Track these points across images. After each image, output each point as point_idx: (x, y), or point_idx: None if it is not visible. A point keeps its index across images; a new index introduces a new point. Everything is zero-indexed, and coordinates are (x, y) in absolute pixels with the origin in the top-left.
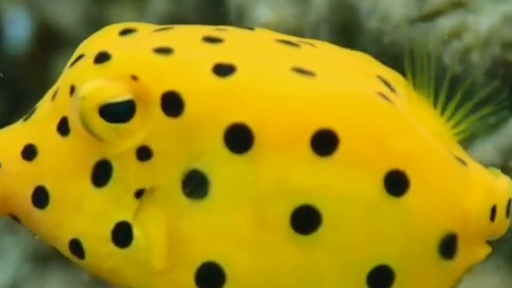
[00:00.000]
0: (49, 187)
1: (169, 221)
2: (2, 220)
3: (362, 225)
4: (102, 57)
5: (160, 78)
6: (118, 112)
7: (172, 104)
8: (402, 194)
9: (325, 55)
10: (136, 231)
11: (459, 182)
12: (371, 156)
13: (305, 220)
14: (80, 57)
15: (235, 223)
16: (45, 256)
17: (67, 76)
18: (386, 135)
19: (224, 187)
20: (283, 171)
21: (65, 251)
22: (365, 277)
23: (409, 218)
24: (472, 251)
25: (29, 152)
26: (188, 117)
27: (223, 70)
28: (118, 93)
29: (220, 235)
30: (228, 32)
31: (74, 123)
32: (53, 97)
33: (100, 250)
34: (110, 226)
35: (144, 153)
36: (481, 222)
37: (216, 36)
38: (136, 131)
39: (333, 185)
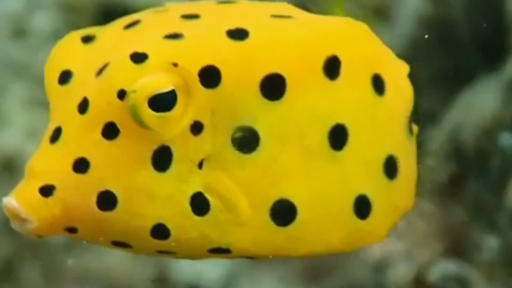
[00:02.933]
0: (113, 188)
1: (233, 178)
2: None
3: (371, 126)
4: (138, 57)
5: (193, 57)
6: (164, 102)
7: (210, 77)
8: (383, 92)
9: (263, 5)
10: (210, 197)
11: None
12: (362, 67)
13: (339, 137)
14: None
15: (288, 161)
16: None
17: (106, 85)
18: (367, 47)
19: (270, 133)
20: (312, 102)
21: (144, 239)
22: (382, 170)
23: (390, 111)
24: None
25: (81, 165)
26: (226, 83)
27: (237, 34)
28: (164, 84)
29: (279, 174)
30: (194, 7)
31: (126, 123)
32: (82, 111)
33: (185, 224)
34: (187, 200)
35: (197, 128)
36: None
37: (191, 13)
38: (183, 114)
39: (348, 100)
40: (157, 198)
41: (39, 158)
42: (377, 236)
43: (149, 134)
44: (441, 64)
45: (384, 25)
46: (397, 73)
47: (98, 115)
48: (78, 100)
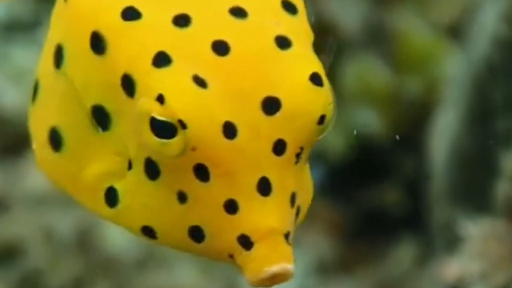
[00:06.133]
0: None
1: None
2: None
3: None
4: (317, 79)
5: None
6: None
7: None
8: None
9: None
10: None
11: None
12: None
13: None
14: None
15: None
16: (329, 268)
17: (307, 118)
18: None
19: None
20: None
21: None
22: None
23: None
24: None
25: (294, 200)
26: None
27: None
28: None
29: None
30: None
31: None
32: (280, 153)
33: None
34: None
35: None
36: None
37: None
38: None
39: None
40: None
41: (270, 215)
42: None
43: None
44: None
45: (457, 44)
46: None
47: (296, 149)
48: (269, 144)
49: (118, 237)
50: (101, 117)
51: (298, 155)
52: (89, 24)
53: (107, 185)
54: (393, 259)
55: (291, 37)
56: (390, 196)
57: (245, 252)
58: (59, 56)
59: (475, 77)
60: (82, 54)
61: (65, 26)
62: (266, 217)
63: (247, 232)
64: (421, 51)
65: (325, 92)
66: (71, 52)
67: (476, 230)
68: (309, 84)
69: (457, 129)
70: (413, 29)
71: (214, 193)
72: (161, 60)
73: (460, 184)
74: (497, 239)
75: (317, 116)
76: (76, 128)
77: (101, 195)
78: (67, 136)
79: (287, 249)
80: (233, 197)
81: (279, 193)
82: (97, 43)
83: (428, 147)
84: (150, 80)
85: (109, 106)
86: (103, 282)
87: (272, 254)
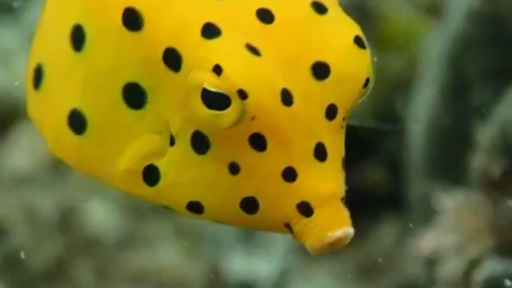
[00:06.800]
0: None
1: None
2: None
3: None
4: (360, 40)
5: None
6: None
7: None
8: None
9: None
10: None
11: None
12: None
13: None
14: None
15: None
16: None
17: (354, 82)
18: None
19: None
20: None
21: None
22: None
23: None
24: None
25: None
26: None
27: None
28: None
29: None
30: None
31: None
32: (331, 118)
33: None
34: None
35: None
36: None
37: None
38: None
39: None
40: None
41: (328, 180)
42: None
43: None
44: (492, 59)
45: (438, 22)
46: None
47: (344, 113)
48: (322, 109)
49: (100, 218)
50: (135, 95)
51: (344, 119)
52: (121, 1)
53: (146, 164)
54: (376, 238)
55: (324, 2)
56: (372, 175)
57: (305, 219)
58: (78, 37)
59: (451, 51)
60: (111, 32)
61: (84, 6)
62: (325, 182)
63: (307, 199)
64: (404, 30)
65: (368, 54)
66: (95, 32)
67: (451, 203)
68: (355, 47)
69: (434, 104)
70: (395, 7)
71: (271, 162)
72: (210, 31)
73: (437, 158)
74: (472, 211)
75: (363, 78)
76: (104, 109)
77: (138, 174)
78: (92, 118)
79: (346, 213)
80: (291, 164)
81: (333, 158)
82: (132, 20)
83: (407, 124)
84: (201, 52)
85: (145, 83)
86: (85, 262)
87: (334, 219)
